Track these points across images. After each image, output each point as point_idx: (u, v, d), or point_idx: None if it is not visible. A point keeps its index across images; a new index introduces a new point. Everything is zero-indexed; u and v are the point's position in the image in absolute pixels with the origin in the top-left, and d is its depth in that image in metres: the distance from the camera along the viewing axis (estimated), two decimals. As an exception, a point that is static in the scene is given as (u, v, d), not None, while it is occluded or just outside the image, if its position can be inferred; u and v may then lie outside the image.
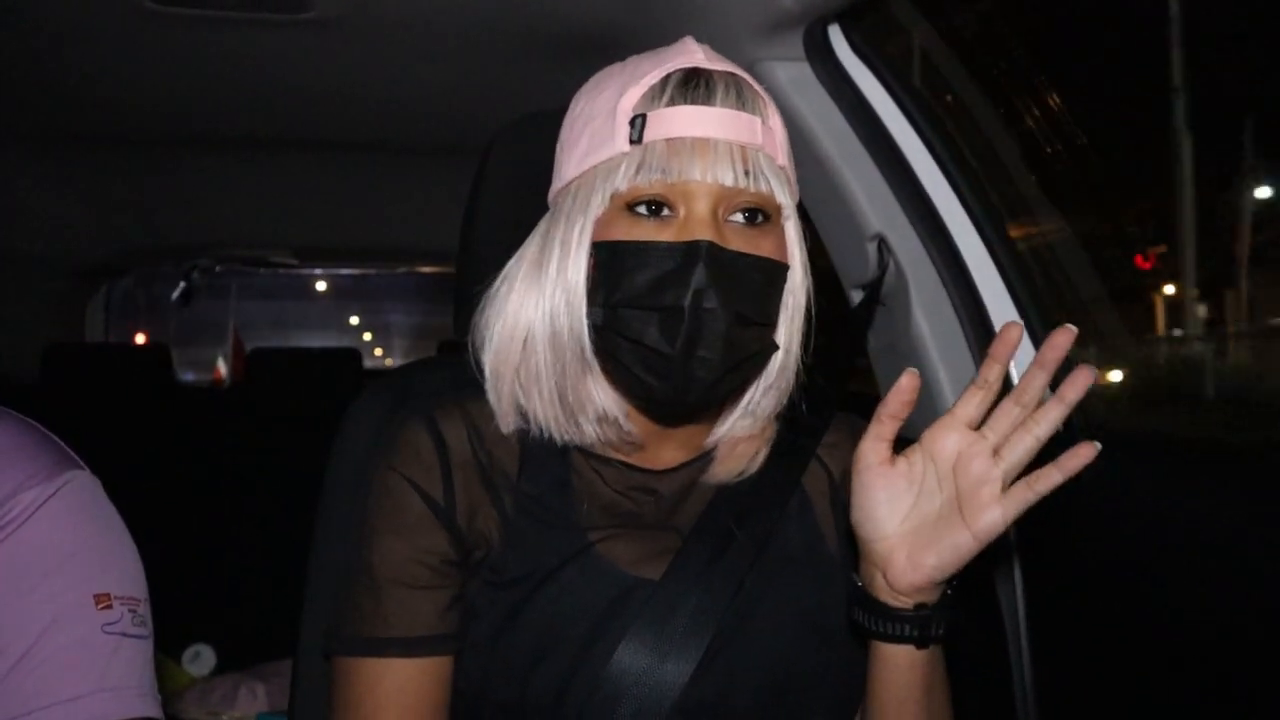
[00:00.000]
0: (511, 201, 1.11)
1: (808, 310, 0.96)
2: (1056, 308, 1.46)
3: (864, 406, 1.09)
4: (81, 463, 0.97)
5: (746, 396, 0.97)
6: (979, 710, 1.27)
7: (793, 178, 0.94)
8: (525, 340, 0.95)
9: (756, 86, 0.92)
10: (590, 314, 0.91)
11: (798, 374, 0.97)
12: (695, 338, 0.85)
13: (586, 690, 0.90)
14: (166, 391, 3.18)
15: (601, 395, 0.94)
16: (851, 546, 0.92)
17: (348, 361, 3.27)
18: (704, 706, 0.92)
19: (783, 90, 1.45)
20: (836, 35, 1.43)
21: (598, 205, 0.89)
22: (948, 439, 0.85)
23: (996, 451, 0.84)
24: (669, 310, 0.85)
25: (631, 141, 0.88)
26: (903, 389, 0.85)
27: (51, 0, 1.64)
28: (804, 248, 0.95)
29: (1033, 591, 1.32)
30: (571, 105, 0.96)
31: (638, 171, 0.87)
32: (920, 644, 0.88)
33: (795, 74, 1.45)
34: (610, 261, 0.89)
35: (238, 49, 1.86)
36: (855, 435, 1.06)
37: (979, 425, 0.86)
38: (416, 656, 0.92)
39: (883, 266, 1.45)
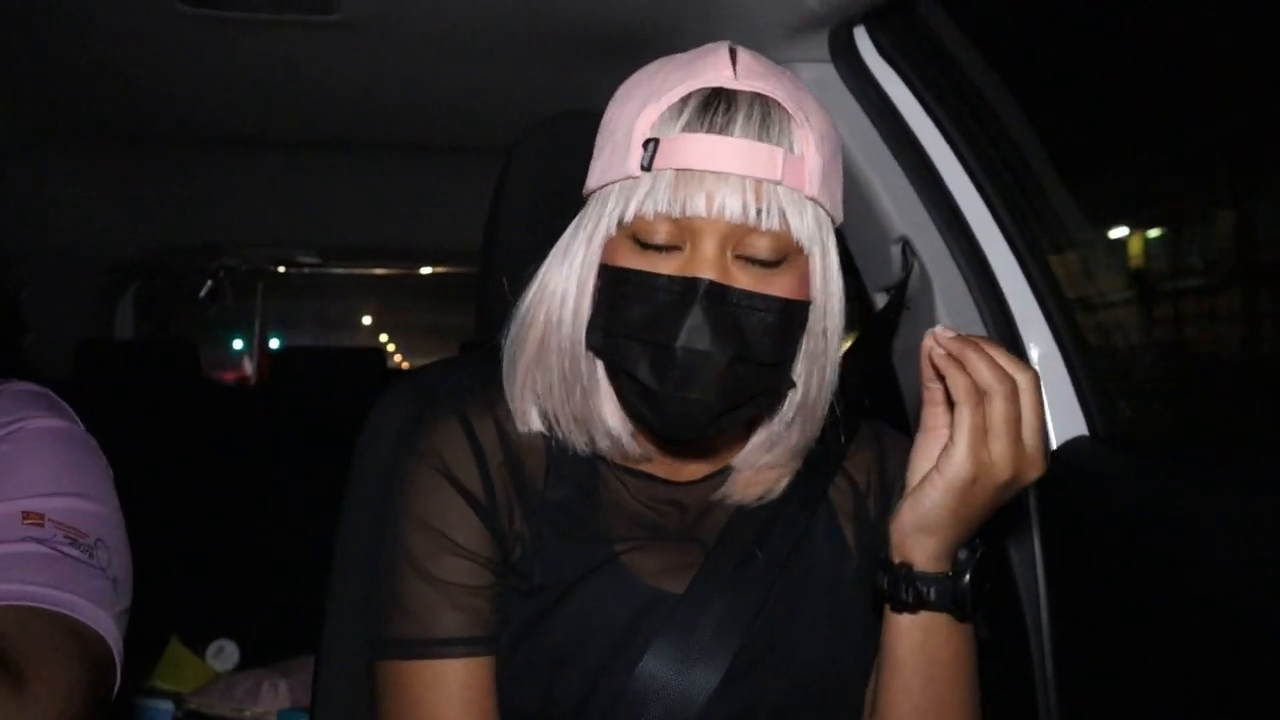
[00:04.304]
0: (535, 202, 1.12)
1: (840, 345, 0.92)
2: (1081, 309, 1.44)
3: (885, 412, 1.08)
4: (74, 419, 1.03)
5: (766, 430, 0.95)
6: (1001, 706, 1.26)
7: (830, 205, 0.88)
8: (541, 341, 0.93)
9: (789, 106, 0.84)
10: (590, 339, 0.89)
11: (833, 407, 0.94)
12: (687, 379, 0.82)
13: (609, 701, 0.90)
14: (194, 389, 3.21)
15: (610, 413, 0.93)
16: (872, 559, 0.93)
17: (371, 361, 3.29)
18: (728, 716, 0.91)
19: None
20: (862, 37, 1.42)
21: (606, 228, 0.87)
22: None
23: None
24: (660, 348, 0.83)
25: (643, 167, 0.84)
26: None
27: (83, 1, 1.66)
28: (837, 281, 0.90)
29: (1056, 594, 1.31)
30: (607, 109, 0.93)
31: (644, 202, 0.83)
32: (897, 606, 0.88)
33: (820, 75, 1.44)
34: (612, 288, 0.87)
35: (264, 50, 1.88)
36: (880, 444, 1.05)
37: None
38: (472, 656, 0.91)
39: (907, 269, 1.44)
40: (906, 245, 1.44)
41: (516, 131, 1.18)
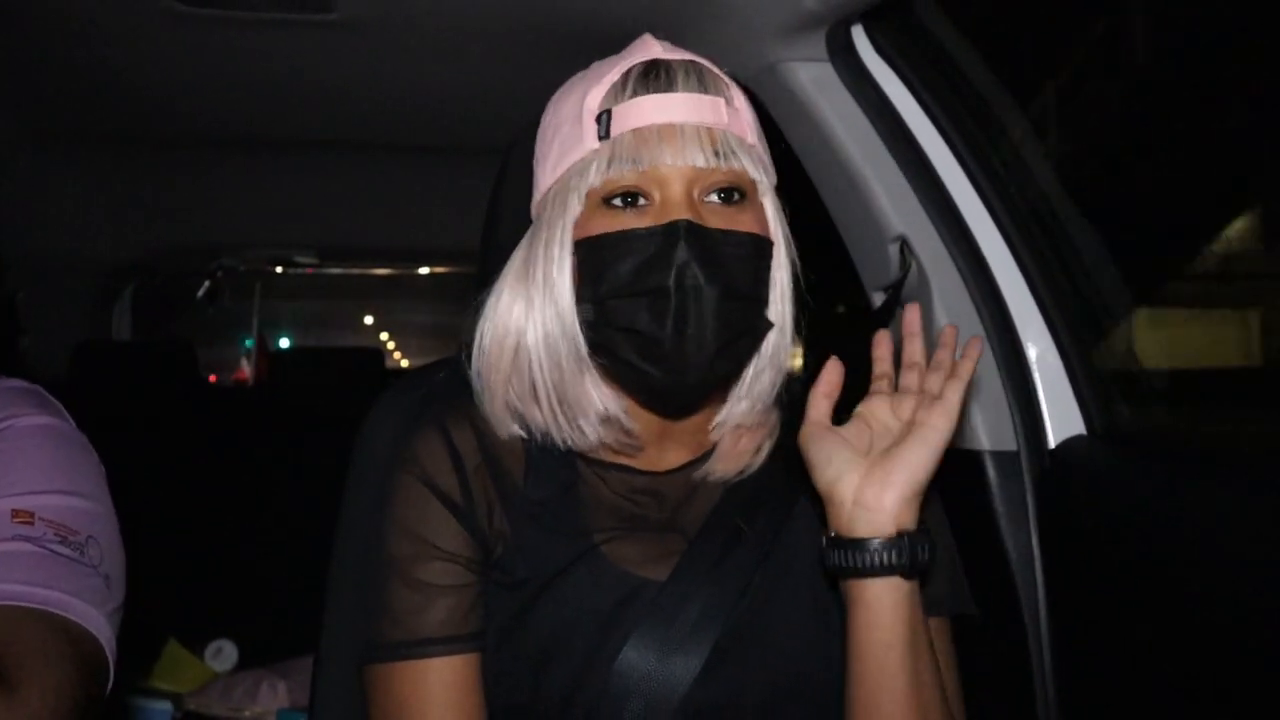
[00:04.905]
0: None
1: (796, 288, 0.96)
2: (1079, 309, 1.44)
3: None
4: (65, 416, 1.03)
5: (744, 378, 0.96)
6: (999, 701, 1.26)
7: (766, 157, 0.94)
8: (516, 349, 0.95)
9: (716, 71, 0.93)
10: (581, 311, 0.91)
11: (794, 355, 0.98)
12: (685, 316, 0.86)
13: (594, 689, 0.91)
14: (192, 390, 3.21)
15: (600, 395, 0.95)
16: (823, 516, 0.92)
17: (370, 361, 3.29)
18: (712, 705, 0.92)
19: (805, 91, 1.45)
20: (860, 36, 1.42)
21: (575, 206, 0.90)
22: (876, 401, 0.93)
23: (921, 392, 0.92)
24: (656, 292, 0.86)
25: (600, 138, 0.89)
26: (830, 371, 0.93)
27: (79, 1, 1.66)
28: (785, 225, 0.95)
29: (1054, 593, 1.31)
30: (542, 119, 0.98)
31: (609, 165, 0.88)
32: (909, 571, 0.86)
33: (818, 75, 1.44)
34: (592, 256, 0.89)
35: (261, 50, 1.88)
36: None
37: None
38: (455, 654, 0.93)
39: (905, 268, 1.44)
40: (904, 244, 1.44)
41: (515, 131, 1.18)
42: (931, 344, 0.95)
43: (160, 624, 2.52)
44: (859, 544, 0.86)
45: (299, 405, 3.10)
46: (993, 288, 1.40)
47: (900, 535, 0.86)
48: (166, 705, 2.33)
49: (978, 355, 0.92)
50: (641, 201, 0.89)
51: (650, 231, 0.87)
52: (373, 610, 0.96)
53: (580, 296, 0.91)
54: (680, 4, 1.53)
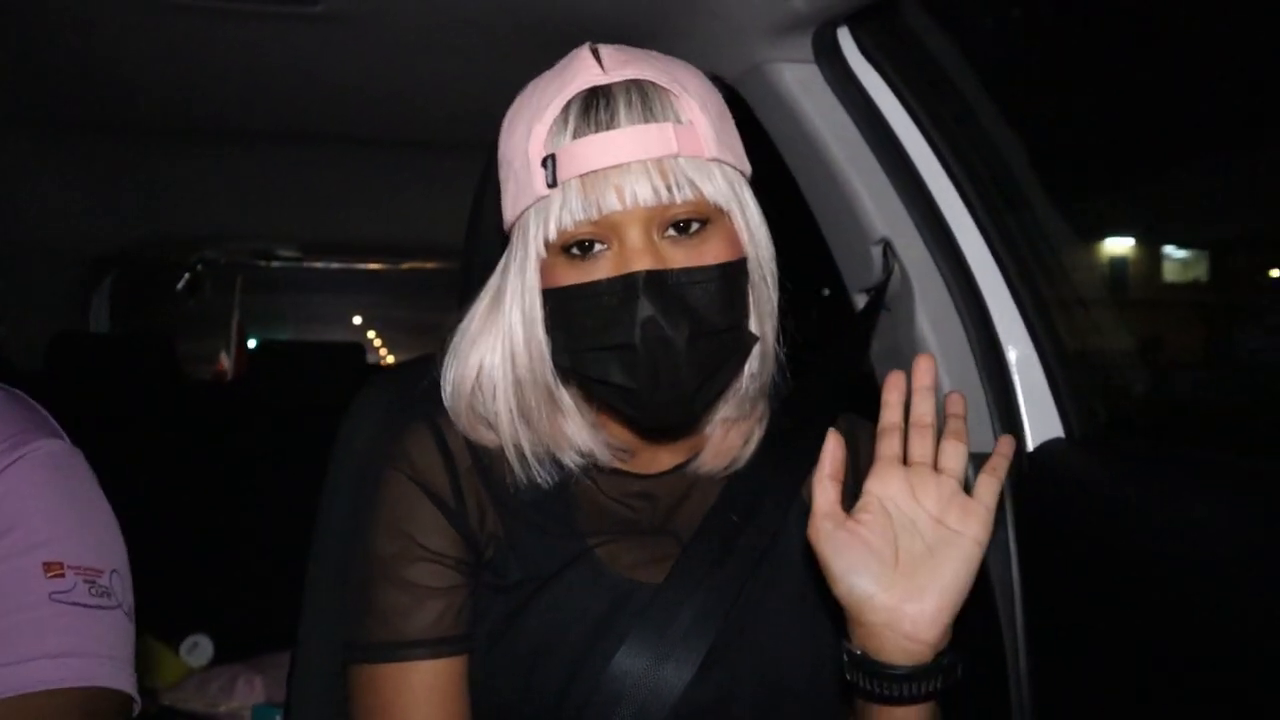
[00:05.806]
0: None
1: (779, 288, 0.95)
2: (1059, 312, 1.45)
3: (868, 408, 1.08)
4: (61, 434, 0.98)
5: (732, 389, 0.97)
6: (975, 703, 1.26)
7: (735, 160, 0.90)
8: (479, 386, 0.95)
9: (662, 82, 0.87)
10: (557, 359, 0.91)
11: (777, 356, 0.97)
12: (656, 368, 0.84)
13: (585, 693, 0.90)
14: (170, 383, 3.19)
15: (577, 431, 0.96)
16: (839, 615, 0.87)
17: (351, 355, 3.28)
18: (703, 711, 0.92)
19: (790, 92, 1.45)
20: (845, 38, 1.42)
21: (535, 253, 0.89)
22: (891, 478, 0.85)
23: (936, 469, 0.86)
24: (623, 348, 0.85)
25: (548, 185, 0.86)
26: (832, 450, 0.87)
27: (62, -10, 1.65)
28: (761, 229, 0.92)
29: (1031, 594, 1.32)
30: (499, 143, 0.95)
31: (561, 213, 0.85)
32: (945, 695, 0.83)
33: (803, 76, 1.45)
34: (560, 308, 0.89)
35: (246, 41, 1.87)
36: (854, 434, 1.06)
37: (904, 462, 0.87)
38: (441, 658, 0.92)
39: (887, 271, 1.44)
40: (887, 247, 1.44)
41: (499, 127, 1.17)
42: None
43: (136, 619, 2.49)
44: (889, 673, 0.81)
45: (277, 399, 3.09)
46: (974, 291, 1.40)
47: (937, 661, 0.81)
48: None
49: (1010, 453, 0.87)
50: (598, 248, 0.87)
51: (610, 284, 0.85)
52: (358, 609, 0.95)
53: (556, 344, 0.91)
54: (666, 3, 1.53)
